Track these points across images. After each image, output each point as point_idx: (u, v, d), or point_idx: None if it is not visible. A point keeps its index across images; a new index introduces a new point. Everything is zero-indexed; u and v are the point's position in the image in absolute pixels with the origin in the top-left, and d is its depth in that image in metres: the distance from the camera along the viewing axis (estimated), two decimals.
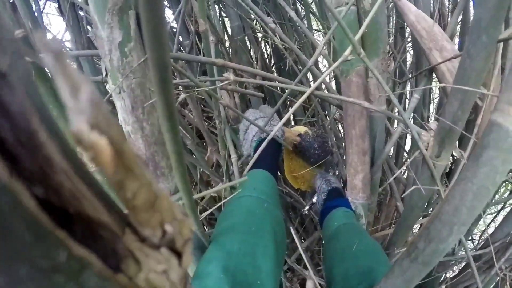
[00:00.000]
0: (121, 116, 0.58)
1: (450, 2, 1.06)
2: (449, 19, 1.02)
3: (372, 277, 0.54)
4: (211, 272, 0.48)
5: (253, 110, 0.84)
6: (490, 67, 0.73)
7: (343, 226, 0.72)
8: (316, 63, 1.24)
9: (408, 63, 1.22)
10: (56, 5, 1.00)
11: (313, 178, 0.94)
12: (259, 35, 1.19)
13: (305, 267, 1.10)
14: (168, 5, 1.29)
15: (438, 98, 1.21)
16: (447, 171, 1.13)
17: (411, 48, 1.11)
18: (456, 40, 1.04)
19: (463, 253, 1.00)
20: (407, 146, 1.28)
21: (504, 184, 1.37)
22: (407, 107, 0.80)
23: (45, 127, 0.12)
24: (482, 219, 0.98)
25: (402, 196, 0.79)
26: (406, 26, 1.01)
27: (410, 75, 1.01)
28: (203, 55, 0.90)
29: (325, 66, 1.65)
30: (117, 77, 0.56)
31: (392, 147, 1.28)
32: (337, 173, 1.06)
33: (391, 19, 1.33)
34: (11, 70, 0.12)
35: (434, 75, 0.76)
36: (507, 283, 1.02)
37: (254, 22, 1.08)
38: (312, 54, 0.75)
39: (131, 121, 0.56)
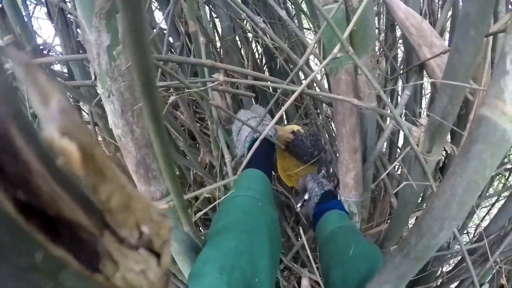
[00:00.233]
0: (111, 119, 0.57)
1: None
2: (439, 15, 1.03)
3: None
4: (207, 272, 0.48)
5: (245, 111, 0.84)
6: (481, 62, 0.74)
7: (338, 228, 0.72)
8: (307, 62, 1.24)
9: (399, 59, 1.22)
10: (46, 9, 0.99)
11: (302, 178, 0.94)
12: (250, 35, 1.19)
13: (302, 265, 1.11)
14: (158, 7, 1.29)
15: (429, 93, 1.21)
16: (440, 165, 1.14)
17: (401, 45, 1.12)
18: (447, 35, 1.05)
19: (458, 247, 1.01)
20: (400, 142, 1.29)
21: (498, 177, 1.38)
22: (399, 103, 0.80)
23: (22, 133, 0.12)
24: (476, 213, 0.99)
25: (394, 191, 0.79)
26: (396, 23, 1.02)
27: (400, 72, 1.01)
28: (194, 56, 0.90)
29: (316, 64, 1.65)
30: (106, 81, 0.55)
31: (385, 143, 1.28)
32: (330, 171, 1.07)
33: (381, 16, 1.33)
34: None
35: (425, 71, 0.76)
36: (503, 276, 1.02)
37: (245, 22, 1.08)
38: (303, 53, 0.75)
39: (121, 124, 0.56)
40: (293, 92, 0.59)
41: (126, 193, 0.15)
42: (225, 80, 0.60)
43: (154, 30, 0.73)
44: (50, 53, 1.03)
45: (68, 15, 0.95)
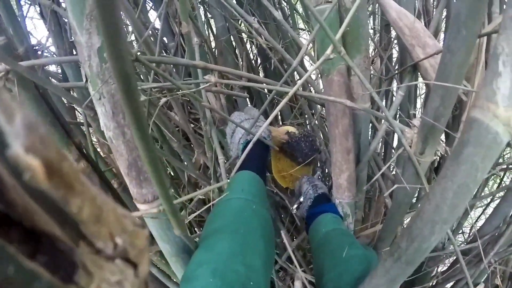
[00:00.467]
0: (102, 121, 0.57)
1: None
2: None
3: None
4: (200, 276, 0.48)
5: (239, 113, 0.84)
6: (474, 63, 0.74)
7: (332, 231, 0.72)
8: (302, 62, 1.24)
9: (394, 59, 1.22)
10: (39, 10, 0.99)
11: (299, 179, 0.94)
12: (245, 35, 1.19)
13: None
14: (153, 7, 1.28)
15: (424, 94, 1.21)
16: (435, 166, 1.14)
17: (396, 45, 1.11)
18: (442, 35, 1.05)
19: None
20: (395, 143, 1.29)
21: (492, 177, 1.39)
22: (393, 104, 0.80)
23: None
24: (472, 213, 0.99)
25: (385, 194, 0.79)
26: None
27: (394, 72, 1.01)
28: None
29: (312, 64, 1.64)
30: (97, 83, 0.55)
31: (380, 144, 1.28)
32: (326, 171, 1.06)
33: (376, 16, 1.33)
34: None
35: None
36: (498, 276, 1.02)
37: (239, 23, 1.08)
38: (298, 53, 0.75)
39: (112, 126, 0.56)
40: (286, 93, 0.58)
41: (97, 205, 0.15)
42: (217, 82, 0.59)
43: (148, 31, 0.72)
44: (44, 54, 1.02)
45: (61, 17, 0.94)
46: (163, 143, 0.89)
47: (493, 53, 0.34)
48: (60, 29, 0.94)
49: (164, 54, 1.19)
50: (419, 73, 0.77)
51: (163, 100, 0.57)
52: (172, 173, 1.18)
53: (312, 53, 0.96)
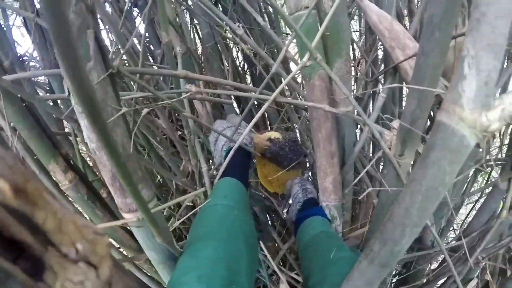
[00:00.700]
0: (86, 134, 0.57)
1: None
2: None
3: None
4: (186, 282, 0.48)
5: (221, 121, 0.85)
6: (456, 64, 0.74)
7: (321, 233, 0.73)
8: (288, 67, 1.25)
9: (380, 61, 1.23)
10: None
11: (290, 181, 0.94)
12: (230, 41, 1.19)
13: (290, 269, 1.11)
14: (139, 14, 1.28)
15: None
16: None
17: (381, 47, 1.12)
18: None
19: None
20: None
21: (481, 174, 1.39)
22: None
23: None
24: (463, 209, 0.99)
25: (360, 196, 0.80)
26: None
27: (377, 74, 1.02)
28: (176, 65, 0.90)
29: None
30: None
31: (370, 146, 1.29)
32: (315, 174, 1.07)
33: (362, 19, 1.34)
34: None
35: None
36: (488, 272, 1.03)
37: (224, 29, 1.08)
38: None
39: (95, 139, 0.56)
40: (265, 101, 0.59)
41: (58, 217, 0.19)
42: (198, 91, 0.60)
43: (130, 43, 0.73)
44: (31, 63, 1.03)
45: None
46: (150, 151, 0.89)
47: (460, 56, 0.34)
48: (45, 41, 0.94)
49: (152, 61, 1.20)
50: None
51: (145, 110, 0.57)
52: (161, 181, 1.18)
53: (296, 58, 0.96)
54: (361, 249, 0.85)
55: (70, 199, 0.81)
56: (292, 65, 1.32)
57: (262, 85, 0.64)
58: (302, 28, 0.61)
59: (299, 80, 1.36)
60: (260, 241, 0.90)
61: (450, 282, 1.10)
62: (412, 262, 1.13)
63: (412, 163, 0.61)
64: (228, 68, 1.12)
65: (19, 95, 0.70)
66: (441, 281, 1.16)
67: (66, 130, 1.03)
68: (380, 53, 1.21)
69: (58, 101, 1.01)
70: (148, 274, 0.92)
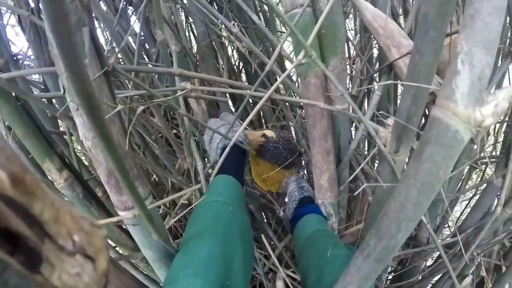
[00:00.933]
0: (81, 132, 0.57)
1: None
2: None
3: None
4: (182, 278, 0.49)
5: (215, 119, 0.85)
6: (451, 61, 0.75)
7: (317, 231, 0.73)
8: (283, 65, 1.25)
9: (375, 59, 1.23)
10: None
11: (286, 179, 0.94)
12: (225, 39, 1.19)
13: (286, 267, 1.11)
14: (134, 13, 1.28)
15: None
16: None
17: (377, 45, 1.13)
18: None
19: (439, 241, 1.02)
20: None
21: (476, 171, 1.41)
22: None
23: None
24: (458, 206, 1.00)
25: (355, 193, 0.80)
26: None
27: (373, 72, 1.02)
28: (171, 63, 0.90)
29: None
30: (74, 94, 0.55)
31: (366, 143, 1.29)
32: (310, 172, 1.07)
33: (356, 17, 1.34)
34: None
35: None
36: (483, 268, 1.04)
37: (219, 28, 1.08)
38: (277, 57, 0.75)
39: (91, 136, 0.56)
40: (260, 98, 0.59)
41: (55, 208, 0.19)
42: (193, 89, 0.60)
43: (125, 41, 0.73)
44: (26, 62, 1.02)
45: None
46: (146, 149, 0.89)
47: (453, 52, 0.34)
48: (39, 39, 0.94)
49: (147, 60, 1.19)
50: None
51: (140, 108, 0.57)
52: (156, 180, 1.18)
53: (292, 56, 0.97)
54: (357, 246, 0.85)
55: (66, 198, 0.81)
56: (288, 64, 1.33)
57: (256, 83, 0.64)
58: (298, 26, 0.62)
59: (294, 78, 1.37)
60: (260, 241, 0.90)
61: (446, 278, 1.11)
62: (407, 259, 1.13)
63: (407, 160, 0.62)
64: (223, 66, 1.12)
65: (14, 94, 0.70)
66: (436, 278, 1.17)
67: (61, 129, 1.03)
68: (375, 52, 1.22)
69: (53, 100, 1.01)
70: (144, 272, 0.92)
